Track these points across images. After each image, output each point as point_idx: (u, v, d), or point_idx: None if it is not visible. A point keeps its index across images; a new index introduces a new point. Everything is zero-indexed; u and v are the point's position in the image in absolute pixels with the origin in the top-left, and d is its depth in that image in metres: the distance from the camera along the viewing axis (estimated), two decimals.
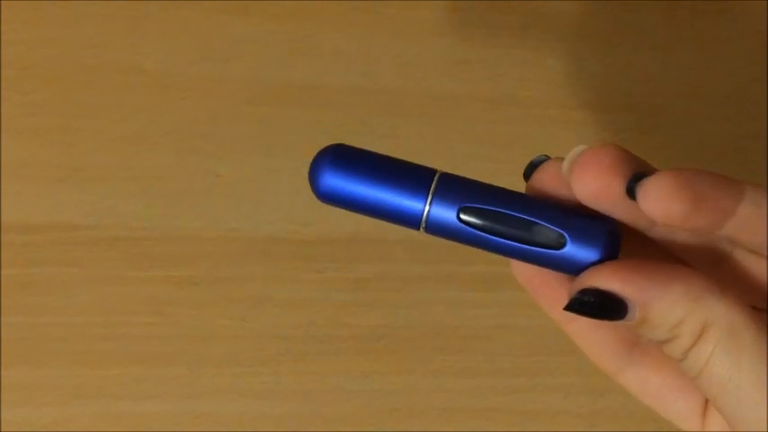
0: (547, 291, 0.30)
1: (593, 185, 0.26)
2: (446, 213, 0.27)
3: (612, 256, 0.27)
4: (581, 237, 0.27)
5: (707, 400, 0.30)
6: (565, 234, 0.27)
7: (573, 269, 0.27)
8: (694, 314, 0.26)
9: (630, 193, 0.26)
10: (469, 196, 0.27)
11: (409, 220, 0.27)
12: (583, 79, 0.48)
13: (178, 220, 0.45)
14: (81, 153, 0.45)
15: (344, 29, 0.47)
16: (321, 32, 0.47)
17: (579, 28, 0.48)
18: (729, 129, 0.48)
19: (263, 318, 0.45)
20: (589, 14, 0.48)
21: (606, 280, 0.26)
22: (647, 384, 0.31)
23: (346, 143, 0.28)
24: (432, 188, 0.27)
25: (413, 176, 0.27)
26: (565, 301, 0.27)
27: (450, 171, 0.28)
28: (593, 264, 0.27)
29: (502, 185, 0.28)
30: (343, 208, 0.28)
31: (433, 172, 0.28)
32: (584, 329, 0.31)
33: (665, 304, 0.26)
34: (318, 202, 0.28)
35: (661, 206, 0.25)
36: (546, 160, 0.28)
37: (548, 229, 0.27)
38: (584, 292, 0.26)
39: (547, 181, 0.28)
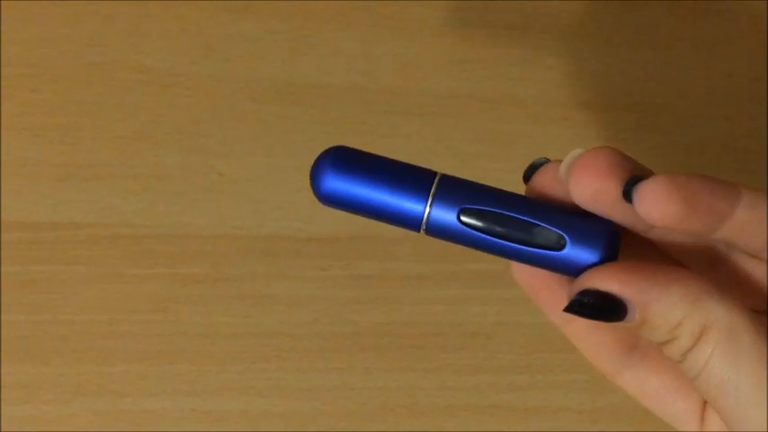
0: (547, 293, 0.30)
1: (590, 189, 0.26)
2: (446, 215, 0.27)
3: (612, 258, 0.27)
4: (580, 238, 0.27)
5: (705, 402, 0.30)
6: (564, 235, 0.27)
7: (572, 270, 0.27)
8: (693, 316, 0.26)
9: (627, 196, 0.26)
10: (469, 198, 0.27)
11: (410, 223, 0.28)
12: (583, 79, 0.48)
13: (180, 218, 0.45)
14: (83, 151, 0.45)
15: (345, 28, 0.47)
16: (322, 32, 0.47)
17: (579, 28, 0.48)
18: (729, 128, 0.48)
19: (266, 315, 0.45)
20: (589, 14, 0.48)
21: (606, 281, 0.26)
22: (645, 386, 0.31)
23: (347, 144, 0.28)
24: (432, 190, 0.27)
25: (413, 179, 0.27)
26: (564, 304, 0.27)
27: (450, 170, 0.28)
28: (593, 265, 0.27)
29: (502, 184, 0.28)
30: (345, 210, 0.28)
31: (433, 174, 0.28)
32: (582, 331, 0.31)
33: (664, 306, 0.26)
34: None
35: (656, 209, 0.25)
36: (546, 163, 0.28)
37: (547, 231, 0.27)
38: (584, 293, 0.26)
39: (546, 183, 0.28)
